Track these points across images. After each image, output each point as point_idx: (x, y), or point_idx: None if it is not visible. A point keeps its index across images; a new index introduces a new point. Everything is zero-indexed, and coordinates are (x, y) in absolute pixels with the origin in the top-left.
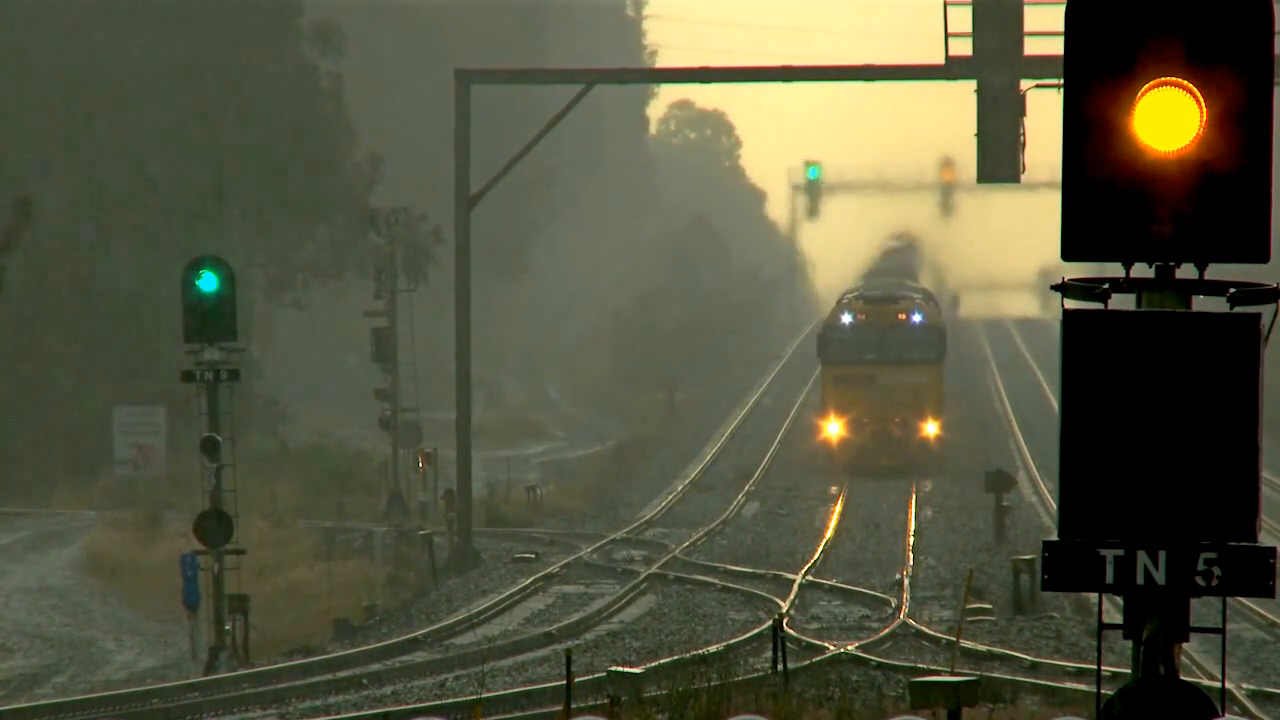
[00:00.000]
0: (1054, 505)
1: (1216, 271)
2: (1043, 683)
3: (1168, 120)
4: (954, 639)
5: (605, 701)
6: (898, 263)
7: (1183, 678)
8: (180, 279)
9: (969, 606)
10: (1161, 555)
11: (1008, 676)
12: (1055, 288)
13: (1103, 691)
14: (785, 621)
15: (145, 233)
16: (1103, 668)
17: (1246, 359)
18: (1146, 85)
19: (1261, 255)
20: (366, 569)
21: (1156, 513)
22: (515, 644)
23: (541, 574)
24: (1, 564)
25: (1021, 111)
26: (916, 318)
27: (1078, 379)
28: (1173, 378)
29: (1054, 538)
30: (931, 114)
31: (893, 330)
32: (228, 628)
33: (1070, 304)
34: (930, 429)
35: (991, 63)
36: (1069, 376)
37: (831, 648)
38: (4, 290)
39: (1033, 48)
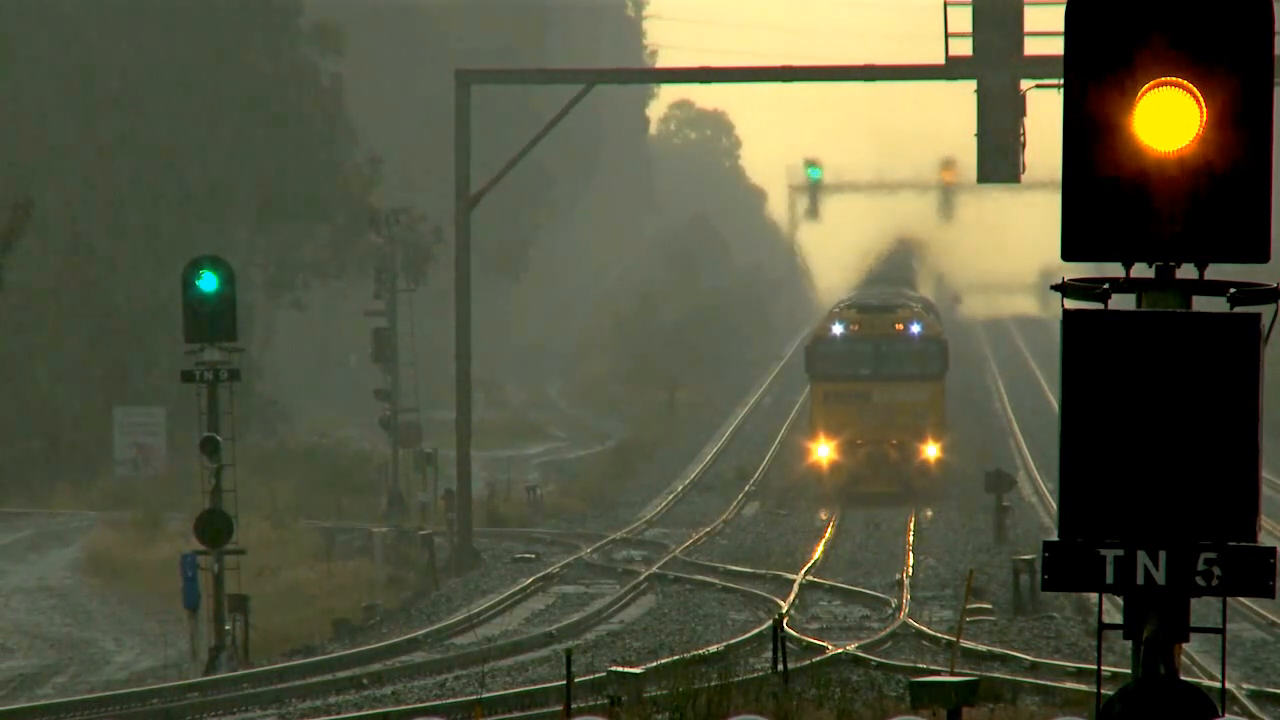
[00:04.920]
0: (1054, 505)
1: (1216, 271)
2: (1043, 683)
3: (1168, 120)
4: (954, 639)
5: (605, 701)
6: (895, 269)
7: (1183, 678)
8: (180, 279)
9: (969, 606)
10: (1161, 555)
11: (1008, 676)
12: (1055, 288)
13: (1103, 691)
14: (785, 621)
15: (145, 233)
16: (1103, 668)
17: (1246, 359)
18: (1146, 85)
19: (1261, 255)
20: (366, 569)
21: (1156, 513)
22: (515, 644)
23: (541, 574)
24: (1, 564)
25: (1021, 111)
26: (915, 328)
27: (1078, 379)
28: (1173, 378)
29: (1054, 538)
30: (931, 114)
31: (889, 342)
32: (228, 628)
33: (1070, 304)
34: (930, 451)
35: (991, 63)
36: (1069, 376)
37: (831, 648)
38: (4, 290)
39: (1033, 48)
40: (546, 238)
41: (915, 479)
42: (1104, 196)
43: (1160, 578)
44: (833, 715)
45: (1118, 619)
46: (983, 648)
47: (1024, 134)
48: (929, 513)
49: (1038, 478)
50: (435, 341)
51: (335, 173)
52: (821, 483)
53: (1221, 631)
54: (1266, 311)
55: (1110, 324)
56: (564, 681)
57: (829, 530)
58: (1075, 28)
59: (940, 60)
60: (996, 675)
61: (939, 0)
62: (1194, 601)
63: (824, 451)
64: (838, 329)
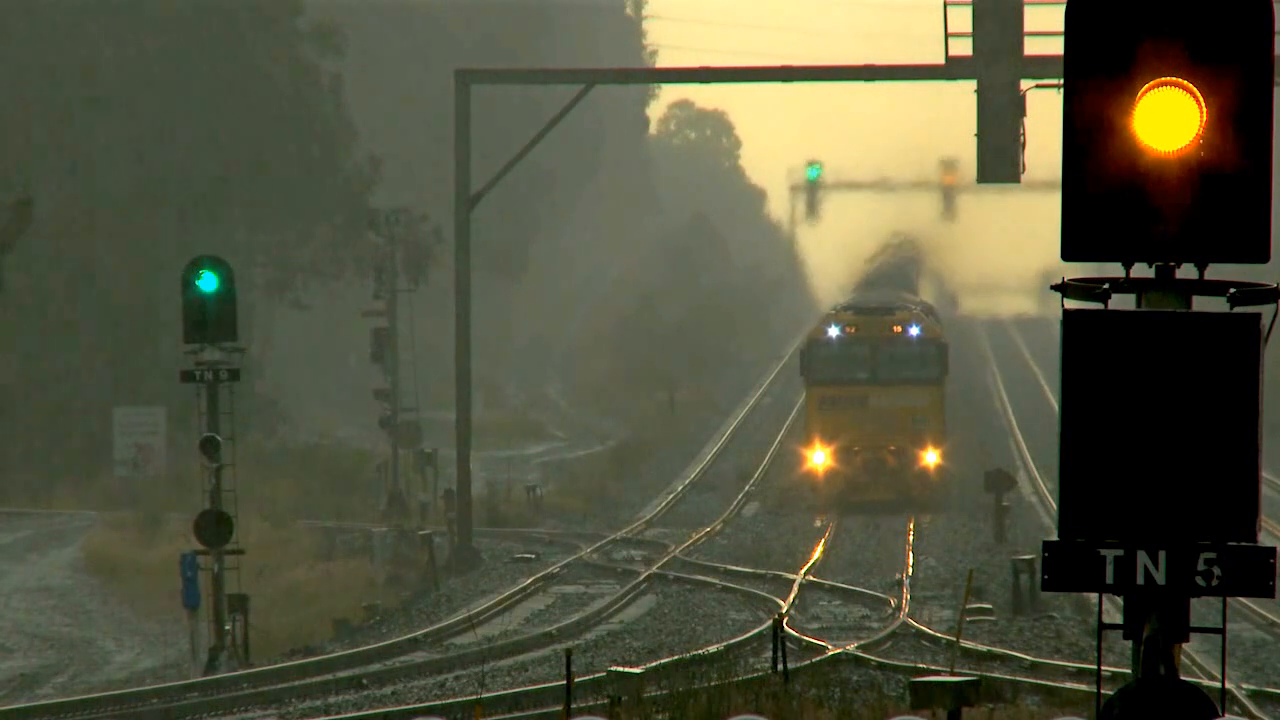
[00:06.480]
0: (1054, 505)
1: (1216, 271)
2: (1043, 683)
3: (1168, 120)
4: (954, 639)
5: (605, 701)
6: (894, 271)
7: (1183, 678)
8: (180, 279)
9: (969, 606)
10: (1161, 555)
11: (1008, 676)
12: (1055, 288)
13: (1103, 691)
14: (785, 621)
15: (145, 233)
16: (1103, 668)
17: (1246, 359)
18: (1146, 85)
19: (1261, 255)
20: (366, 569)
21: (1156, 513)
22: (515, 644)
23: (541, 574)
24: (1, 564)
25: (1021, 111)
26: (914, 331)
27: (1078, 379)
28: (1173, 378)
29: (1054, 538)
30: (931, 114)
31: (887, 345)
32: (228, 628)
33: (1070, 304)
34: (930, 458)
35: (991, 63)
36: (1069, 376)
37: (831, 648)
38: (4, 290)
39: (1033, 48)
40: (546, 238)
41: (914, 486)
42: (1104, 196)
43: (1160, 578)
44: (833, 715)
45: (1118, 619)
46: (983, 648)
47: (1024, 134)
48: (929, 513)
49: (1038, 478)
50: (435, 341)
51: (335, 173)
52: (817, 491)
53: (1221, 631)
54: (1266, 311)
55: (1110, 324)
56: (564, 681)
57: (829, 531)
58: (1075, 28)
59: (940, 60)
60: (996, 675)
61: (939, 0)
62: (1194, 601)
63: (820, 458)
64: (834, 331)
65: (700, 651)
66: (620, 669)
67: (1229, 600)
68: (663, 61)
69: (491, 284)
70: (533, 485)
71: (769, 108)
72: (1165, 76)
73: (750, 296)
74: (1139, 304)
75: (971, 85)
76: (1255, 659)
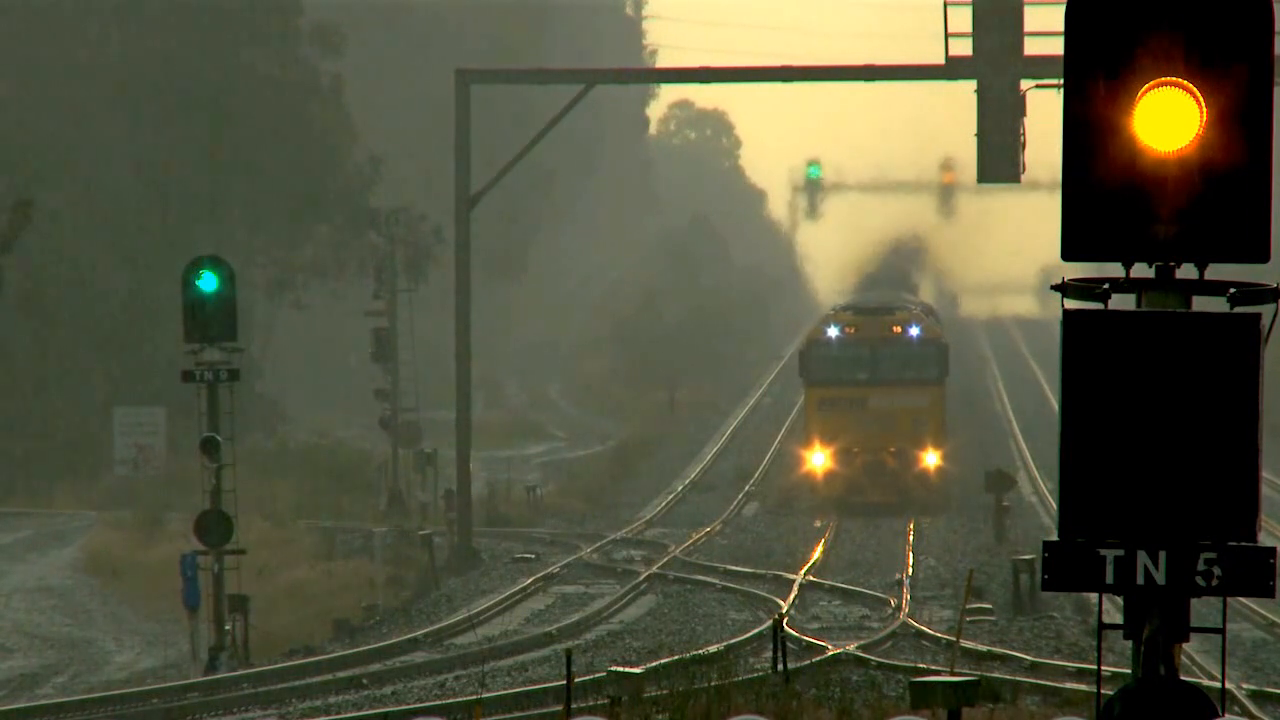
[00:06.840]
0: (1054, 505)
1: (1216, 271)
2: (1043, 683)
3: (1168, 120)
4: (954, 639)
5: (605, 701)
6: (894, 271)
7: (1183, 678)
8: (180, 279)
9: (969, 606)
10: (1161, 555)
11: (1008, 676)
12: (1055, 288)
13: (1103, 691)
14: (785, 621)
15: (145, 233)
16: (1103, 668)
17: (1246, 359)
18: (1146, 85)
19: (1261, 255)
20: (366, 569)
21: (1156, 513)
22: (515, 644)
23: (541, 574)
24: (1, 564)
25: (1021, 111)
26: (914, 331)
27: (1078, 379)
28: (1173, 378)
29: (1054, 538)
30: (931, 114)
31: (886, 346)
32: (228, 628)
33: (1070, 304)
34: (930, 459)
35: (991, 63)
36: (1069, 376)
37: (831, 648)
38: (4, 290)
39: (1033, 48)
40: (546, 238)
41: (914, 488)
42: (1104, 196)
43: (1160, 578)
44: (833, 715)
45: (1118, 619)
46: (983, 648)
47: (1024, 134)
48: (928, 514)
49: (1038, 478)
50: (435, 341)
51: (335, 173)
52: (816, 492)
53: (1221, 631)
54: (1266, 311)
55: (1110, 324)
56: (564, 681)
57: (829, 531)
58: (1075, 28)
59: (940, 60)
60: (996, 675)
61: (939, 0)
62: (1194, 601)
63: (819, 460)
64: (833, 332)
65: (700, 651)
66: (620, 669)
67: (1229, 600)
68: (663, 61)
69: (491, 284)
70: (533, 485)
71: (769, 108)
72: (1165, 76)
73: (750, 296)
74: (1139, 304)
75: (971, 85)
76: (1255, 659)
